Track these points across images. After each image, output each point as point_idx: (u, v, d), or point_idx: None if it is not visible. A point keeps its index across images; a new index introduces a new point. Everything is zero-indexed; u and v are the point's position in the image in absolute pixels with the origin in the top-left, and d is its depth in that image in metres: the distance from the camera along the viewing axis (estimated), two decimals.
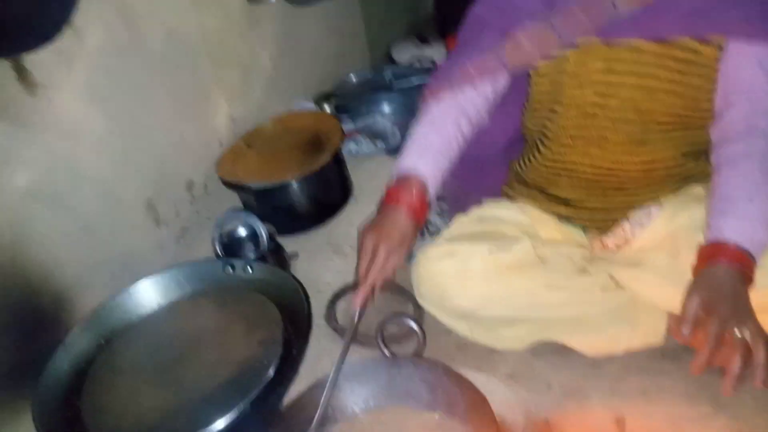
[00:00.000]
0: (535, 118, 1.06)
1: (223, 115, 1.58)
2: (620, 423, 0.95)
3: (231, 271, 1.20)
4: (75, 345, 1.09)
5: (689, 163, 0.99)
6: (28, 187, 1.08)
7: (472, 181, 1.17)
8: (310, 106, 1.83)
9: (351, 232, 1.43)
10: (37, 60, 1.06)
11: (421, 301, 1.08)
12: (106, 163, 1.25)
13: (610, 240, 1.04)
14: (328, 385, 0.90)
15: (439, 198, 1.24)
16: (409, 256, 1.06)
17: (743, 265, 0.80)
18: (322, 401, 0.90)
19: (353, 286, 1.14)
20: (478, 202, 1.14)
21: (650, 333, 1.02)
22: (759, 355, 0.74)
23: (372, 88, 1.91)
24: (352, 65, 2.12)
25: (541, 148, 1.05)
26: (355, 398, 0.96)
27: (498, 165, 1.19)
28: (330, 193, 1.51)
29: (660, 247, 0.97)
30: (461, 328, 1.07)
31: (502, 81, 1.04)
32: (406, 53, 2.27)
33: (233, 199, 1.51)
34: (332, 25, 2.03)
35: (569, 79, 0.97)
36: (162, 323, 1.16)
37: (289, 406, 0.93)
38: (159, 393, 1.00)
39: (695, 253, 0.84)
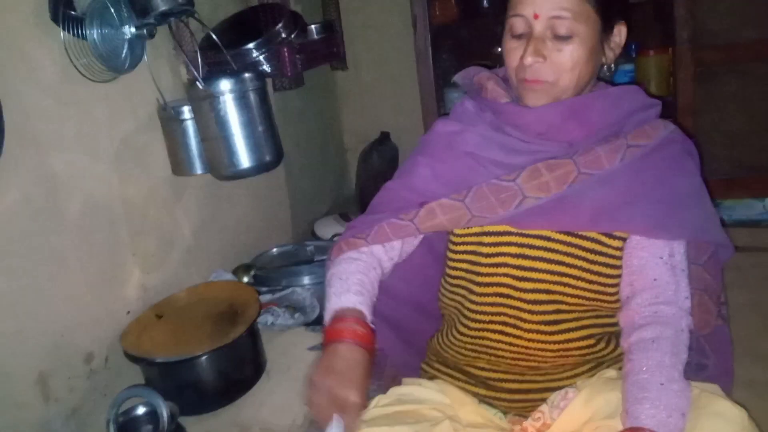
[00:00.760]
0: (453, 295, 1.09)
1: (134, 284, 1.52)
2: None
3: None
4: None
5: (601, 345, 1.02)
6: None
7: (392, 348, 1.15)
8: (229, 276, 1.80)
9: (261, 413, 1.34)
10: None
11: None
12: None
13: (530, 425, 1.02)
14: None
15: None
16: None
17: None
18: None
19: None
20: (396, 380, 1.11)
21: None
22: None
23: (293, 261, 1.92)
24: (275, 238, 2.15)
25: (460, 326, 1.06)
26: None
27: (419, 341, 1.19)
28: (241, 368, 1.44)
29: None
30: None
31: (412, 245, 1.10)
32: (329, 229, 2.32)
33: (136, 374, 1.41)
34: (257, 199, 2.08)
35: (485, 260, 1.02)
36: None
37: None
38: None
39: None
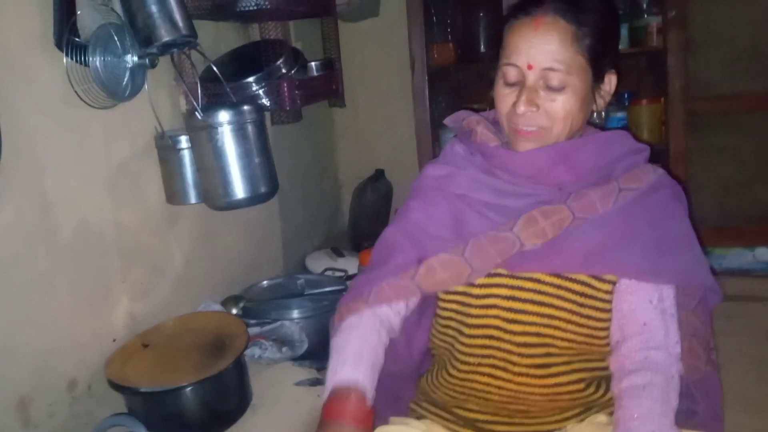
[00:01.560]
0: (444, 335, 1.08)
1: (122, 311, 1.51)
2: None
3: None
4: None
5: (591, 389, 1.01)
6: None
7: (380, 397, 1.13)
8: (218, 307, 1.78)
9: None
10: None
11: None
12: None
13: None
14: None
15: None
16: None
17: None
18: None
19: None
20: (384, 418, 1.09)
21: None
22: None
23: (283, 294, 1.91)
24: (266, 271, 2.14)
25: (450, 368, 1.05)
26: None
27: (409, 380, 1.18)
28: (227, 401, 1.42)
29: None
30: None
31: (415, 300, 1.08)
32: (320, 264, 2.31)
33: (119, 403, 1.39)
34: (250, 230, 2.07)
35: (475, 301, 1.02)
36: None
37: None
38: None
39: None
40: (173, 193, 1.61)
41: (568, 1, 0.95)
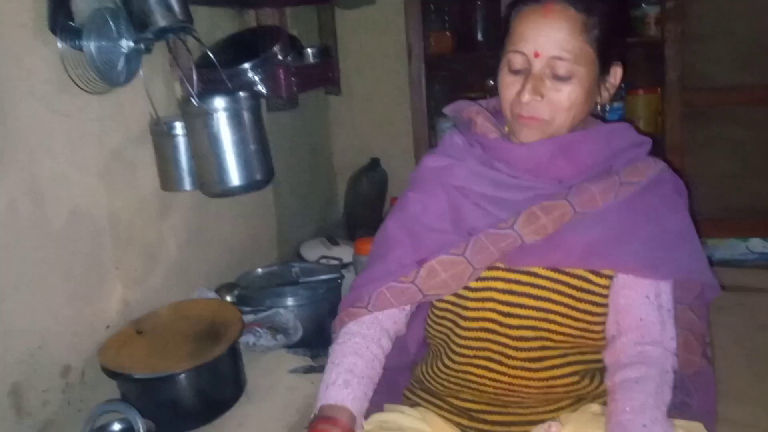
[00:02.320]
0: (440, 326, 1.08)
1: (116, 299, 1.50)
2: None
3: None
4: None
5: (585, 382, 1.01)
6: None
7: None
8: (212, 295, 1.78)
9: None
10: None
11: None
12: None
13: None
14: None
15: None
16: None
17: None
18: None
19: None
20: (378, 405, 1.10)
21: None
22: None
23: (277, 282, 1.90)
24: (260, 259, 2.13)
25: (445, 359, 1.05)
26: None
27: (403, 369, 1.18)
28: (221, 388, 1.42)
29: None
30: None
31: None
32: (315, 252, 2.31)
33: (113, 390, 1.39)
34: (244, 218, 2.07)
35: (472, 294, 1.01)
36: None
37: None
38: None
39: None
40: (168, 179, 1.60)
41: None
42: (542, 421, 1.01)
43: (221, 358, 1.36)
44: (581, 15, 0.93)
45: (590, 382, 1.02)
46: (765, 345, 1.72)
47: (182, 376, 1.33)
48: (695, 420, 0.96)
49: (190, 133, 1.53)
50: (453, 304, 1.04)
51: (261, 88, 1.77)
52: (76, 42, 1.28)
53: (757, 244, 2.46)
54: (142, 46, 1.40)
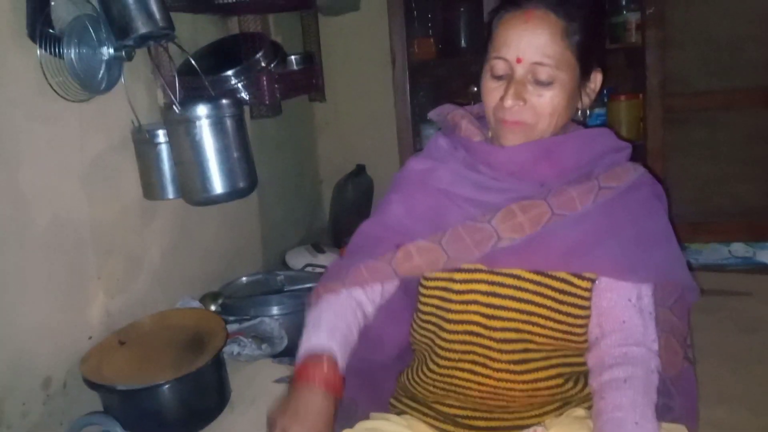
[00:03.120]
0: (424, 330, 1.08)
1: (98, 308, 1.49)
2: None
3: None
4: None
5: (569, 385, 1.02)
6: None
7: (361, 392, 1.13)
8: (196, 304, 1.77)
9: None
10: None
11: None
12: None
13: None
14: None
15: None
16: None
17: None
18: None
19: None
20: (364, 413, 1.09)
21: None
22: None
23: (262, 290, 1.89)
24: (245, 267, 2.12)
25: (430, 363, 1.05)
26: None
27: (389, 377, 1.17)
28: (205, 399, 1.41)
29: None
30: None
31: (392, 286, 1.07)
32: (300, 260, 2.30)
33: (95, 401, 1.37)
34: (228, 226, 2.06)
35: (456, 297, 1.01)
36: None
37: None
38: None
39: None
40: (150, 187, 1.59)
41: None
42: (527, 426, 1.01)
43: (205, 368, 1.35)
44: (562, 21, 0.94)
45: (574, 385, 1.02)
46: (747, 348, 1.74)
47: (165, 387, 1.31)
48: (677, 422, 0.96)
49: (172, 141, 1.52)
50: (437, 307, 1.04)
51: (244, 96, 1.77)
52: (56, 49, 1.27)
53: (739, 249, 2.48)
54: (123, 53, 1.39)
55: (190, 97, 1.56)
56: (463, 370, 1.01)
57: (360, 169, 2.76)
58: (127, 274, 1.59)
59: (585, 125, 1.11)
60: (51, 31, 1.27)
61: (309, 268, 2.21)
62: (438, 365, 1.04)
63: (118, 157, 1.54)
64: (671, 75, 2.33)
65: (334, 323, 0.99)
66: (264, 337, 1.69)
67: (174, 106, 1.47)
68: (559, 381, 1.00)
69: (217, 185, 1.52)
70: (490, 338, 0.99)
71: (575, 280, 0.99)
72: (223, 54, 1.84)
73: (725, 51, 2.43)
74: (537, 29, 0.94)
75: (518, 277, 0.99)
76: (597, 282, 0.99)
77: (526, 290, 0.99)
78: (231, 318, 1.74)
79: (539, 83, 0.96)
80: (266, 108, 2.02)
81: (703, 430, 1.04)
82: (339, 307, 1.02)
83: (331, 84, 2.67)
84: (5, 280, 1.24)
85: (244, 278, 2.00)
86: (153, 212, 1.67)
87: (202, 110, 1.48)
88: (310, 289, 1.83)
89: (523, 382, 0.99)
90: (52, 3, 1.26)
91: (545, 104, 0.96)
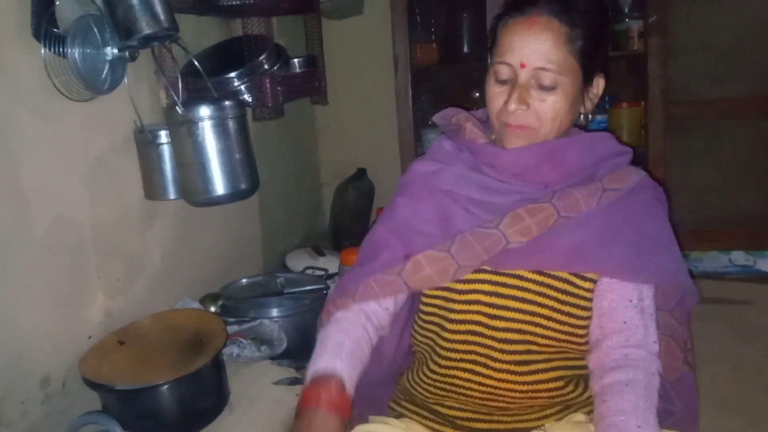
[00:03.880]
0: (426, 331, 1.08)
1: (98, 308, 1.49)
2: None
3: None
4: None
5: (570, 388, 1.02)
6: None
7: (359, 396, 1.13)
8: (196, 305, 1.76)
9: None
10: None
11: None
12: None
13: None
14: None
15: None
16: None
17: None
18: None
19: None
20: (363, 417, 1.09)
21: None
22: None
23: (262, 292, 1.89)
24: (245, 269, 2.12)
25: (431, 364, 1.05)
26: None
27: (389, 380, 1.18)
28: (204, 400, 1.40)
29: None
30: None
31: (403, 297, 1.08)
32: (300, 262, 2.30)
33: (94, 401, 1.37)
34: (229, 227, 2.06)
35: (458, 297, 1.02)
36: None
37: None
38: None
39: None
40: (152, 188, 1.59)
41: (563, 3, 0.97)
42: (527, 429, 1.01)
43: (204, 369, 1.35)
44: (565, 27, 0.95)
45: (575, 388, 1.02)
46: (747, 356, 1.74)
47: (164, 387, 1.31)
48: (677, 428, 0.97)
49: (174, 142, 1.52)
50: (439, 307, 1.05)
51: (247, 97, 1.77)
52: (60, 49, 1.27)
53: (739, 257, 2.49)
54: (126, 53, 1.39)
55: (193, 98, 1.56)
56: (464, 370, 1.01)
57: (361, 173, 2.76)
58: (128, 274, 1.59)
59: (587, 130, 1.12)
60: (55, 30, 1.27)
61: (309, 271, 2.20)
62: (439, 365, 1.04)
63: (120, 157, 1.54)
64: (673, 83, 2.34)
65: (341, 342, 0.99)
66: (263, 339, 1.69)
67: (177, 107, 1.47)
68: (560, 384, 1.01)
69: (219, 186, 1.52)
70: (492, 338, 1.00)
71: (577, 281, 0.99)
72: (226, 56, 1.84)
73: (727, 59, 2.44)
74: (541, 35, 0.95)
75: (521, 278, 1.00)
76: (598, 283, 1.00)
77: (529, 290, 0.99)
78: (231, 319, 1.73)
79: (542, 88, 0.97)
80: (268, 110, 2.02)
81: None
82: (347, 324, 1.02)
83: (334, 87, 2.67)
84: (5, 280, 1.24)
85: (244, 280, 2.00)
86: (154, 213, 1.67)
87: (204, 111, 1.48)
88: (309, 291, 1.87)
89: (524, 383, 0.99)
90: (57, 2, 1.26)
91: (548, 109, 0.97)
